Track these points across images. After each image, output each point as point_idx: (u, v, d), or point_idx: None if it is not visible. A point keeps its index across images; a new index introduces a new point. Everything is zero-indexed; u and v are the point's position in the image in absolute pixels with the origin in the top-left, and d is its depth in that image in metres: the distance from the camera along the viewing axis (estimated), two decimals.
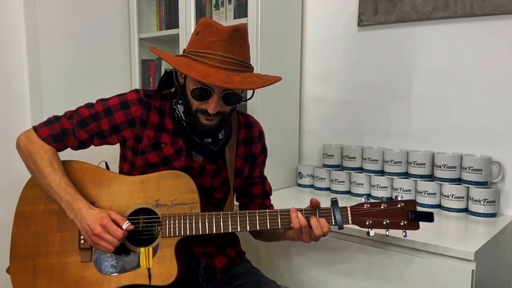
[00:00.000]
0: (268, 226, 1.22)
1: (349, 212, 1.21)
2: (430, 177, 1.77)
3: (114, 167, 1.41)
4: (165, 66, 2.42)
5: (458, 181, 1.70)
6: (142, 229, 1.28)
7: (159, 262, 1.23)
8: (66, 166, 1.31)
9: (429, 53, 1.85)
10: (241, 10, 2.03)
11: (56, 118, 1.33)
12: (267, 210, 1.25)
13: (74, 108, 1.34)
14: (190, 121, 1.26)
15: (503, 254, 1.59)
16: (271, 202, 1.50)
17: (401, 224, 1.19)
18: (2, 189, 1.89)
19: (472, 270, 1.27)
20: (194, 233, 1.23)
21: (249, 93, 1.37)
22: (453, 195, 1.68)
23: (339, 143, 2.09)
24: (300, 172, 2.15)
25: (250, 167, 1.42)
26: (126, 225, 1.20)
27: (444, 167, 1.70)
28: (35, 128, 1.31)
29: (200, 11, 2.18)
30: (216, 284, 1.37)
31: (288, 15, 2.11)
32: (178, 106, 1.30)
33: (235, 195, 1.46)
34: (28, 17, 1.98)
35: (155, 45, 2.49)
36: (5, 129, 1.92)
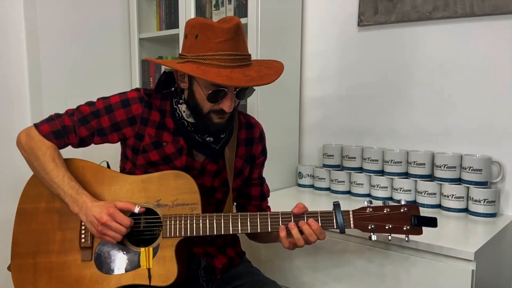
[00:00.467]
0: (269, 228, 1.22)
1: (351, 216, 1.20)
2: (430, 177, 1.78)
3: (115, 166, 1.41)
4: (165, 66, 2.42)
5: (458, 181, 1.70)
6: (143, 229, 1.28)
7: (159, 262, 1.23)
8: (67, 164, 1.31)
9: (429, 53, 1.85)
10: (241, 10, 2.03)
11: (57, 115, 1.33)
12: (268, 212, 1.25)
13: (75, 107, 1.34)
14: (201, 122, 1.26)
15: (503, 254, 1.59)
16: (269, 204, 1.50)
17: (404, 229, 1.18)
18: (3, 188, 1.89)
19: (472, 270, 1.27)
20: (194, 234, 1.23)
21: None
22: (453, 195, 1.68)
23: (339, 143, 2.09)
24: (300, 172, 2.15)
25: (250, 168, 1.42)
26: (137, 208, 1.21)
27: (444, 167, 1.71)
28: (36, 125, 1.31)
29: (200, 11, 2.18)
30: (216, 284, 1.37)
31: (288, 15, 2.11)
32: (179, 106, 1.30)
33: (234, 195, 1.46)
34: (28, 17, 1.98)
35: (155, 45, 2.50)
36: (5, 128, 1.92)
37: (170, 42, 2.50)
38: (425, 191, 1.75)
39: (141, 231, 1.28)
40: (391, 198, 1.86)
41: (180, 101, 1.30)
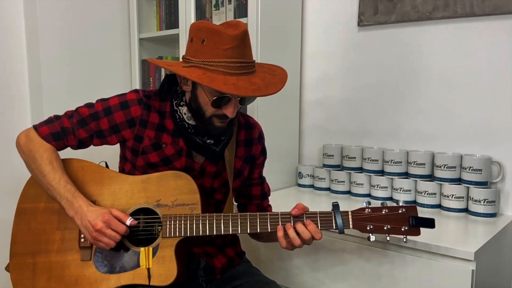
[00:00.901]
0: (269, 228, 1.22)
1: (350, 216, 1.21)
2: (430, 177, 1.77)
3: (114, 167, 1.41)
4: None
5: (458, 181, 1.70)
6: (143, 229, 1.28)
7: (159, 262, 1.23)
8: (67, 164, 1.31)
9: (429, 53, 1.85)
10: (241, 10, 2.03)
11: (56, 117, 1.33)
12: (268, 212, 1.25)
13: (74, 108, 1.34)
14: (203, 126, 1.26)
15: (503, 254, 1.59)
16: (270, 203, 1.50)
17: (402, 229, 1.19)
18: (3, 188, 1.89)
19: (472, 270, 1.27)
20: (194, 234, 1.23)
21: None
22: (453, 195, 1.68)
23: (339, 143, 2.09)
24: (300, 172, 2.15)
25: (250, 168, 1.42)
26: (129, 221, 1.21)
27: (444, 167, 1.70)
28: (35, 127, 1.32)
29: (200, 11, 2.18)
30: (215, 284, 1.37)
31: (288, 15, 2.11)
32: (180, 108, 1.30)
33: (234, 195, 1.46)
34: (28, 17, 1.98)
35: (155, 45, 2.50)
36: (5, 129, 1.92)
37: (170, 42, 2.50)
38: (425, 191, 1.74)
39: (141, 231, 1.28)
40: (391, 198, 1.86)
41: (181, 103, 1.30)
